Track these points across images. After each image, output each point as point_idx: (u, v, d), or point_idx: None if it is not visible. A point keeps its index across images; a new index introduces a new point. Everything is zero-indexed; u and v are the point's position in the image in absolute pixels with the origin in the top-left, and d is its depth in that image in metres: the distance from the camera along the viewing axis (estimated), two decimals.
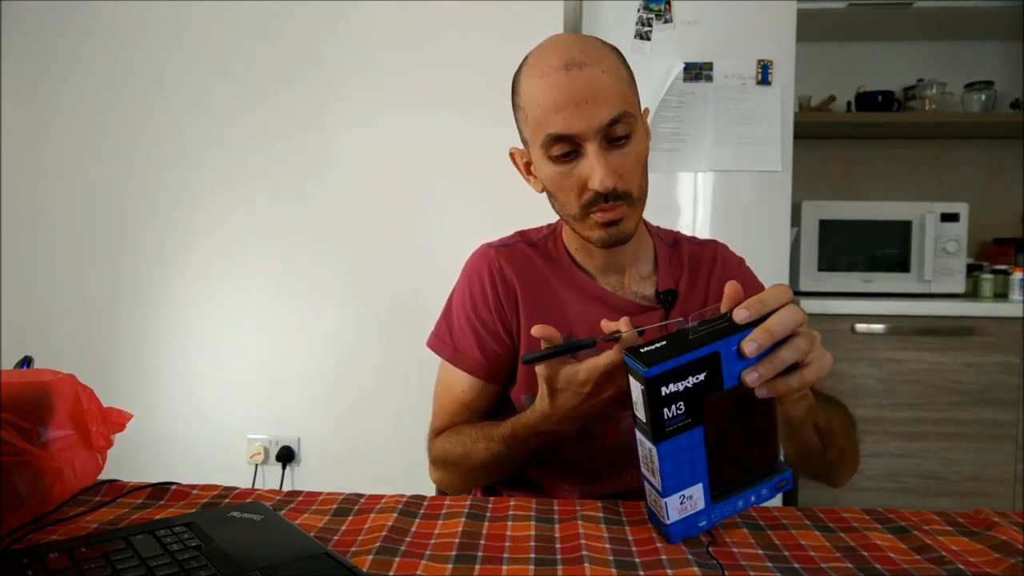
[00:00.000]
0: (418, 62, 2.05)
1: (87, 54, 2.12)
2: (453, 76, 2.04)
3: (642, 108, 0.87)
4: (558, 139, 0.79)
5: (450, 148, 2.05)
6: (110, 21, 2.10)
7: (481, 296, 0.93)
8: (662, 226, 1.02)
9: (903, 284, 2.11)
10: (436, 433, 0.94)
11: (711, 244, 0.99)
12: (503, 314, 0.92)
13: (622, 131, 0.79)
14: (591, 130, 0.78)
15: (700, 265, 0.96)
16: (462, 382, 0.93)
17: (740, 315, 0.56)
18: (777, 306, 0.58)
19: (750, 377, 0.56)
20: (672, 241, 0.99)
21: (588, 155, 0.79)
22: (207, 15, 2.08)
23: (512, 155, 0.92)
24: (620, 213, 0.82)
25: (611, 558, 0.57)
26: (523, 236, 0.99)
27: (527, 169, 0.90)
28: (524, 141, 0.88)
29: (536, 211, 1.98)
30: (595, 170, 0.78)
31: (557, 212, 0.89)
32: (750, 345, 0.55)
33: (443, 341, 0.95)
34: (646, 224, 0.97)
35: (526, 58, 0.85)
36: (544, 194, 0.89)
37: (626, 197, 0.81)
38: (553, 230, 0.99)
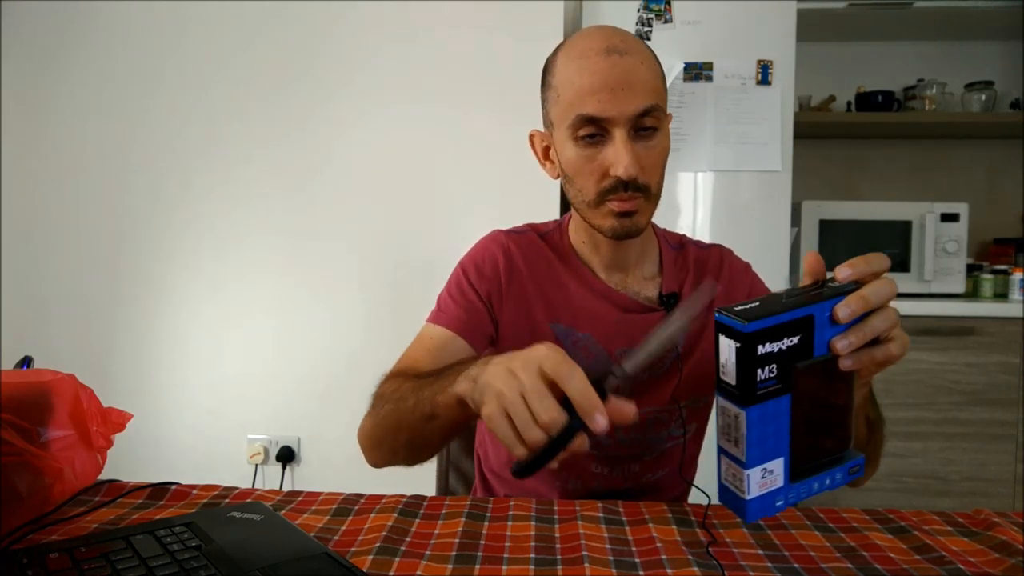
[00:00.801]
0: (418, 62, 2.05)
1: (87, 54, 2.12)
2: (453, 75, 2.05)
3: (668, 112, 0.87)
4: (588, 120, 0.79)
5: (453, 146, 2.05)
6: (110, 21, 2.10)
7: (486, 267, 0.92)
8: (665, 228, 1.01)
9: (903, 284, 2.11)
10: (385, 377, 0.87)
11: (716, 248, 0.99)
12: (499, 287, 0.91)
13: (651, 123, 0.79)
14: (623, 116, 0.78)
15: (705, 269, 0.96)
16: (433, 332, 0.90)
17: (843, 272, 0.56)
18: (874, 271, 0.57)
19: (841, 344, 0.54)
20: (678, 244, 0.99)
21: (615, 141, 0.79)
22: (207, 15, 2.08)
23: (532, 137, 0.92)
24: (636, 205, 0.81)
25: (611, 558, 0.57)
26: (533, 227, 0.99)
27: (545, 154, 0.90)
28: (548, 123, 0.87)
29: (541, 207, 1.99)
30: (621, 156, 0.78)
31: (570, 198, 0.88)
32: (844, 310, 0.54)
33: (432, 312, 0.93)
34: (653, 226, 0.96)
35: (563, 42, 0.85)
36: (558, 181, 0.88)
37: (644, 190, 0.81)
38: (559, 224, 0.98)
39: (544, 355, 0.55)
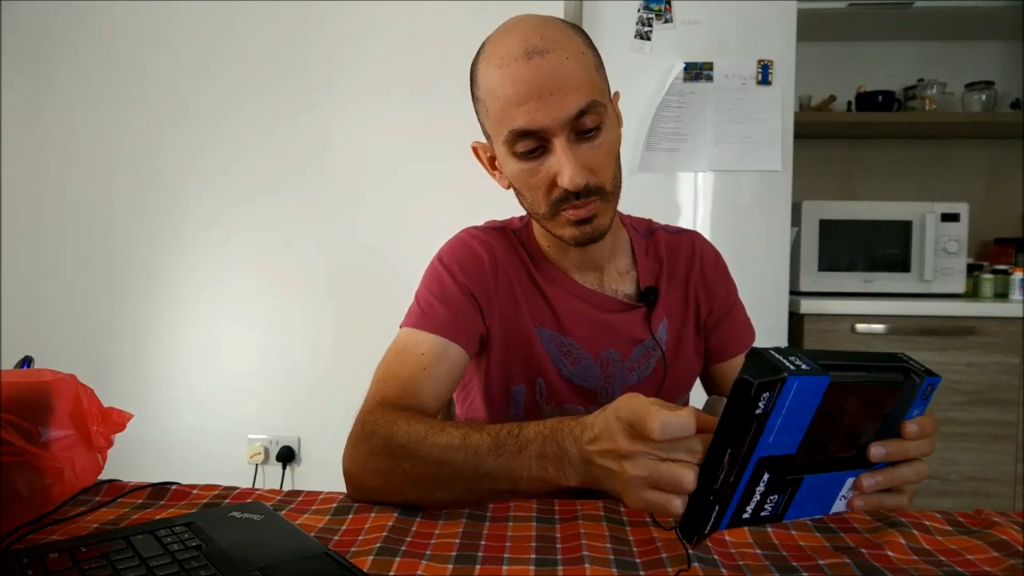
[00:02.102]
0: (415, 62, 2.06)
1: (86, 54, 2.12)
2: (451, 76, 2.04)
3: (612, 92, 0.81)
4: (522, 135, 0.73)
5: (447, 141, 2.05)
6: (106, 22, 2.10)
7: (471, 265, 0.87)
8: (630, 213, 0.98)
9: (903, 284, 2.11)
10: (381, 404, 0.75)
11: (688, 234, 0.96)
12: (486, 287, 0.86)
13: (591, 123, 0.73)
14: (557, 123, 0.72)
15: (678, 257, 0.93)
16: (421, 343, 0.81)
17: (876, 453, 0.53)
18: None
19: (868, 482, 0.54)
20: (647, 231, 0.95)
21: (556, 150, 0.73)
22: (203, 13, 2.09)
23: (475, 149, 0.87)
24: (593, 209, 0.77)
25: (612, 558, 0.57)
26: (505, 224, 0.94)
27: (491, 164, 0.85)
28: (486, 135, 0.82)
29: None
30: (564, 167, 0.73)
31: (525, 210, 0.84)
32: (868, 481, 0.53)
33: (409, 313, 0.86)
34: (620, 215, 0.92)
35: (483, 44, 0.78)
36: (511, 190, 0.84)
37: (599, 192, 0.76)
38: (525, 223, 0.93)
39: (628, 413, 0.53)
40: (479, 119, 0.81)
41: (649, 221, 0.98)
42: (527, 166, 0.76)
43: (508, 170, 0.80)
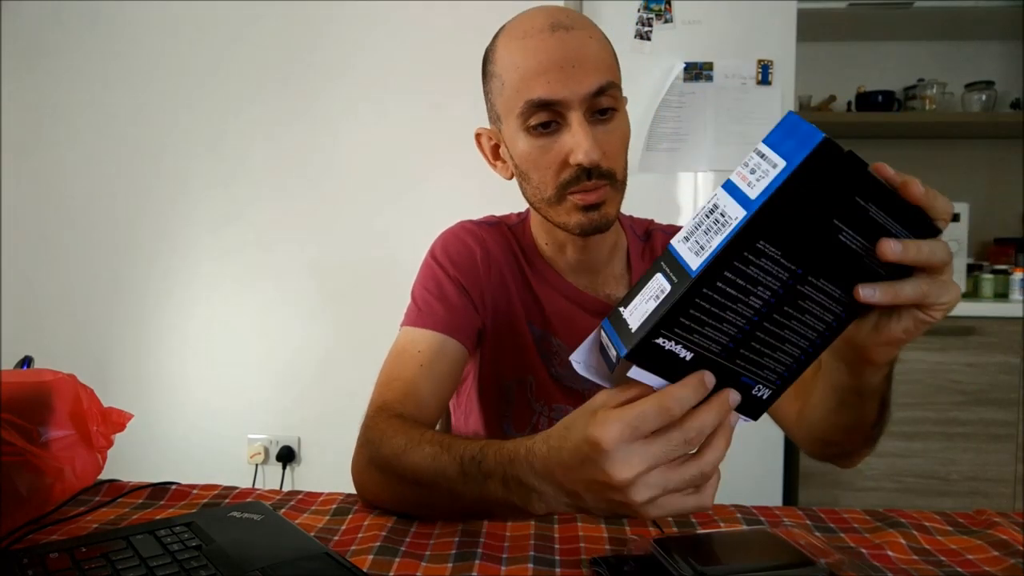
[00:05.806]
0: (416, 64, 2.06)
1: (87, 54, 2.12)
2: (451, 76, 2.05)
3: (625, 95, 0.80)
4: (539, 106, 0.71)
5: (449, 144, 2.05)
6: (110, 19, 2.11)
7: (462, 259, 0.85)
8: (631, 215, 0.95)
9: None
10: (382, 408, 0.73)
11: None
12: (478, 280, 0.85)
13: (608, 103, 0.73)
14: (577, 97, 0.70)
15: None
16: (419, 341, 0.80)
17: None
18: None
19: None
20: (644, 233, 0.93)
21: (572, 125, 0.71)
22: (204, 12, 2.09)
23: (478, 136, 0.84)
24: (602, 195, 0.74)
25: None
26: (501, 220, 0.92)
27: (494, 153, 0.83)
28: (496, 117, 0.79)
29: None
30: (580, 142, 0.70)
31: (528, 197, 0.81)
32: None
33: (407, 312, 0.85)
34: (621, 218, 0.89)
35: (503, 27, 0.78)
36: (514, 181, 0.82)
37: (610, 177, 0.74)
38: (522, 219, 0.91)
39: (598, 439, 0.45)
40: (489, 100, 0.80)
41: (649, 222, 0.96)
42: (539, 142, 0.74)
43: (517, 150, 0.77)
